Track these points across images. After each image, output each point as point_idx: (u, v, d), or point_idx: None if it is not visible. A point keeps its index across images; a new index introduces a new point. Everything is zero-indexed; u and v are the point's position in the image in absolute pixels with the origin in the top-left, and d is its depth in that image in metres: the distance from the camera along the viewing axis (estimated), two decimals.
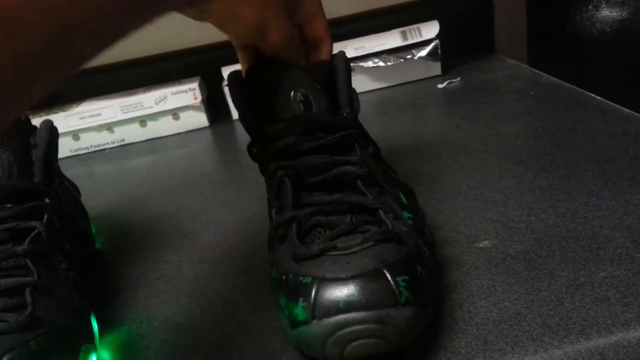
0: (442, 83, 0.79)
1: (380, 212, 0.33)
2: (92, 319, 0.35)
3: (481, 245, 0.40)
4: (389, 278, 0.28)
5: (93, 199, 0.60)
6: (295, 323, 0.29)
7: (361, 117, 0.41)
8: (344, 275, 0.28)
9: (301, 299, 0.28)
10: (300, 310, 0.28)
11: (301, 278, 0.29)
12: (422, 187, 0.50)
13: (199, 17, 0.36)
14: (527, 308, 0.33)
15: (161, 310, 0.40)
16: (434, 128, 0.66)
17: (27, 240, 0.34)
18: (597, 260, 0.36)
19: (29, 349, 0.29)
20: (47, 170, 0.40)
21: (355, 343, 0.27)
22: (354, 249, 0.29)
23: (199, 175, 0.65)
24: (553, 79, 0.72)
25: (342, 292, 0.27)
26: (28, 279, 0.32)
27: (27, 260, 0.33)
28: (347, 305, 0.27)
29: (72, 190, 0.48)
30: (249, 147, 0.40)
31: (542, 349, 0.30)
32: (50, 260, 0.35)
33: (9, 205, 0.36)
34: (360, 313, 0.27)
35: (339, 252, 0.29)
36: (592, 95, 0.63)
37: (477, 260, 0.38)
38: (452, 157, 0.55)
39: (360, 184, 0.34)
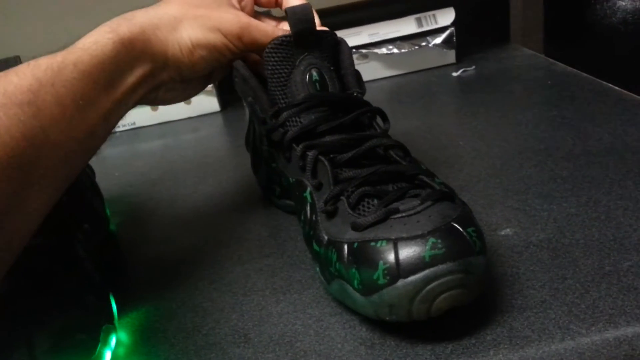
0: (456, 71, 0.78)
1: (422, 177, 0.34)
2: (111, 299, 0.35)
3: (503, 233, 0.39)
4: (461, 230, 0.28)
5: (106, 181, 0.59)
6: (373, 288, 0.29)
7: (375, 104, 0.41)
8: (420, 232, 0.28)
9: (381, 262, 0.28)
10: (381, 274, 0.28)
11: (373, 243, 0.29)
12: (439, 173, 0.48)
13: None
14: (553, 296, 0.32)
15: (179, 292, 0.39)
16: (449, 116, 0.66)
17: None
18: (622, 249, 0.35)
19: (52, 329, 0.28)
20: None
21: (442, 296, 0.28)
22: (418, 209, 0.30)
23: (212, 160, 0.65)
24: (570, 68, 0.71)
25: (424, 247, 0.27)
26: (48, 258, 0.32)
27: (47, 240, 0.33)
28: (432, 259, 0.27)
29: (87, 170, 0.47)
30: (269, 133, 0.39)
31: (569, 337, 0.29)
32: (69, 239, 0.35)
33: None
34: (447, 264, 0.27)
35: (404, 214, 0.30)
36: (611, 85, 0.63)
37: (499, 248, 0.37)
38: (470, 145, 0.54)
39: (393, 154, 0.36)
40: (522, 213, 0.41)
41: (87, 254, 0.36)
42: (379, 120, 0.40)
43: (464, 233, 0.29)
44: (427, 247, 0.27)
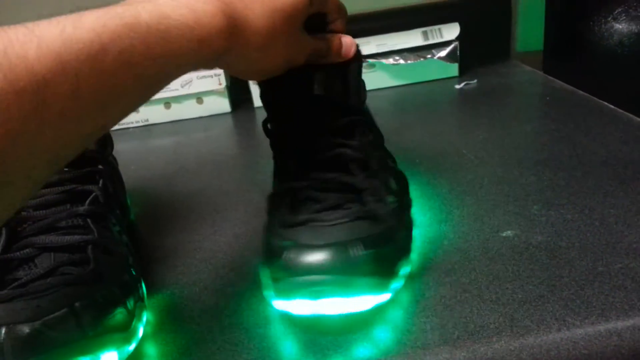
0: (459, 84, 0.81)
1: (365, 193, 0.36)
2: (141, 280, 0.38)
3: (504, 234, 0.42)
4: (354, 250, 0.33)
5: (123, 174, 0.62)
6: (275, 278, 0.34)
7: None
8: (316, 243, 0.33)
9: (282, 259, 0.33)
10: (277, 268, 0.33)
11: (285, 242, 0.34)
12: (444, 179, 0.52)
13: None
14: (550, 292, 0.35)
15: (201, 278, 0.42)
16: (452, 125, 0.69)
17: (87, 201, 0.37)
18: (614, 252, 0.38)
19: (96, 301, 0.31)
20: (100, 138, 0.42)
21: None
22: (333, 222, 0.34)
23: (225, 158, 0.67)
24: (567, 86, 0.75)
25: (312, 257, 0.32)
26: (89, 237, 0.34)
27: (88, 220, 0.35)
28: (313, 268, 0.32)
29: (111, 159, 0.50)
30: (264, 123, 0.42)
31: (565, 328, 0.32)
32: (106, 222, 0.37)
33: (66, 169, 0.38)
34: (323, 276, 0.32)
35: (322, 223, 0.34)
36: (606, 103, 0.66)
37: (501, 248, 0.40)
38: (472, 153, 0.57)
39: (352, 166, 0.38)
40: (522, 217, 0.44)
41: (121, 237, 0.38)
42: (364, 129, 0.41)
43: (353, 253, 0.33)
44: (314, 258, 0.32)
